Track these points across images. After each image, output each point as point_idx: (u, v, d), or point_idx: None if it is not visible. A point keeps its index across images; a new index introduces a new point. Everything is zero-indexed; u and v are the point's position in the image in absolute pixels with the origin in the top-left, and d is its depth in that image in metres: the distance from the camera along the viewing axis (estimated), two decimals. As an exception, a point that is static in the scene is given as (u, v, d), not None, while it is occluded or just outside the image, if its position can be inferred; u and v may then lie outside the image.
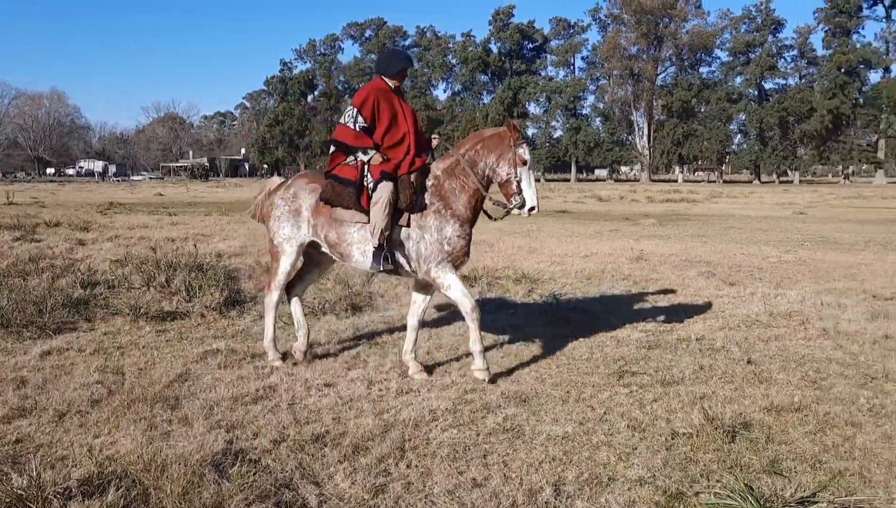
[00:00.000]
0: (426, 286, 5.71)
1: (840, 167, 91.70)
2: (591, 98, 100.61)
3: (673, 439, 4.28)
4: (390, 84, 5.69)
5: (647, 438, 4.31)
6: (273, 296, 5.95)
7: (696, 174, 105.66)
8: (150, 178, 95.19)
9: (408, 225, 5.41)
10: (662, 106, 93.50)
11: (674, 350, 6.38)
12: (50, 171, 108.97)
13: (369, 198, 5.39)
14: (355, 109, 5.52)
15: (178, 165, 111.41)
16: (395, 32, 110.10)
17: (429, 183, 5.48)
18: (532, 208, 5.42)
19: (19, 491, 3.27)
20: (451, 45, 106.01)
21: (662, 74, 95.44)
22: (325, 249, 5.79)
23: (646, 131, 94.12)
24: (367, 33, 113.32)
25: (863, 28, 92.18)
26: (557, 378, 5.53)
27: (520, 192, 5.38)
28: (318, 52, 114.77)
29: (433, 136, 5.87)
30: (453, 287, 5.38)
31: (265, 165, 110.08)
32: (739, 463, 3.93)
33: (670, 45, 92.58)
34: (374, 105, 5.51)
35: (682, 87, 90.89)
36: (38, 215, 20.33)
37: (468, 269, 9.69)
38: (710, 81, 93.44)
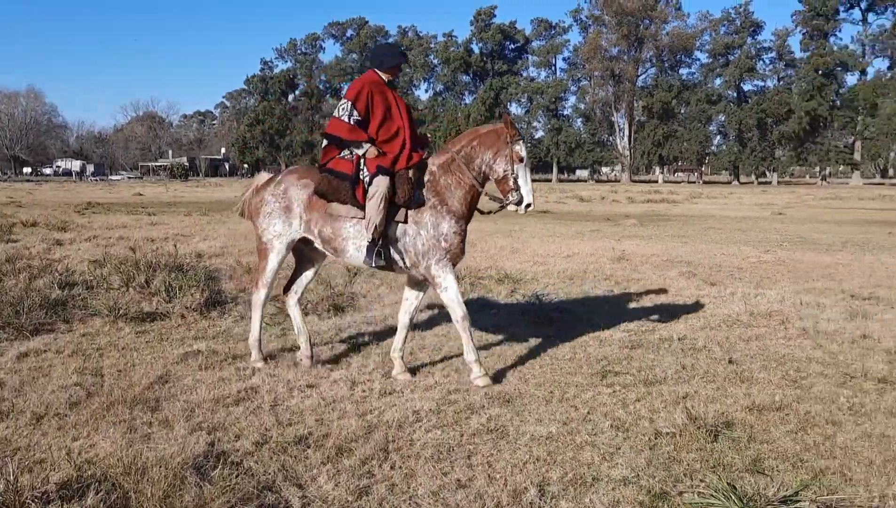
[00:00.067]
0: (419, 284, 5.68)
1: (817, 168, 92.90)
2: (572, 99, 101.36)
3: (656, 438, 4.29)
4: (384, 78, 5.64)
5: (630, 438, 4.32)
6: (261, 294, 5.86)
7: (675, 175, 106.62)
8: (129, 177, 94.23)
9: (404, 221, 5.36)
10: (643, 107, 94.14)
11: (656, 350, 6.41)
12: (27, 170, 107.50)
13: (365, 192, 5.32)
14: (349, 103, 5.44)
15: (157, 164, 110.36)
16: (376, 32, 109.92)
17: (425, 179, 5.44)
18: (528, 205, 5.40)
19: (-4, 496, 3.21)
20: (432, 46, 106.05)
21: (643, 76, 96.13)
22: (317, 244, 5.70)
23: (626, 132, 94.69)
24: (349, 33, 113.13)
25: (840, 31, 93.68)
26: (541, 378, 5.53)
27: (517, 188, 5.36)
28: (299, 52, 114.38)
29: (427, 134, 5.85)
30: (450, 290, 5.35)
31: (245, 165, 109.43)
32: (722, 463, 3.95)
33: (651, 47, 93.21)
34: (368, 98, 5.44)
35: (663, 88, 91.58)
36: (14, 215, 20.05)
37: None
38: (689, 82, 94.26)
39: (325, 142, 5.69)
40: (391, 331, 6.91)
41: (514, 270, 10.81)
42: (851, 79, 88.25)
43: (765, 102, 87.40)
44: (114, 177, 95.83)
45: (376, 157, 5.37)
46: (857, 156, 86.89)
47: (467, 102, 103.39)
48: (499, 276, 10.05)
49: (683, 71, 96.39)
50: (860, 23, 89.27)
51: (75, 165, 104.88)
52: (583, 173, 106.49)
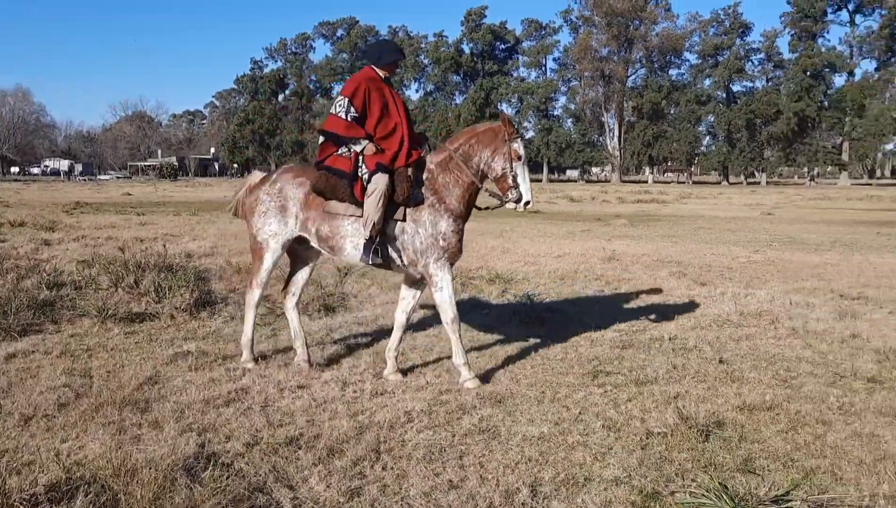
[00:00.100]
0: (416, 282, 5.65)
1: (806, 169, 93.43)
2: (562, 99, 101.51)
3: (648, 438, 4.29)
4: (381, 74, 5.61)
5: (622, 438, 4.32)
6: (255, 294, 5.80)
7: (665, 175, 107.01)
8: (118, 177, 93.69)
9: (403, 219, 5.33)
10: (633, 107, 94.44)
11: (647, 350, 6.42)
12: (14, 170, 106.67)
13: (363, 190, 5.29)
14: (346, 99, 5.40)
15: (146, 164, 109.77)
16: (367, 32, 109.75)
17: (424, 177, 5.41)
18: (528, 203, 5.39)
19: (-17, 499, 3.17)
20: (423, 46, 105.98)
21: (633, 76, 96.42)
22: (314, 243, 5.65)
23: (616, 133, 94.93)
24: (339, 33, 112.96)
25: (828, 32, 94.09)
26: (532, 379, 5.53)
27: (516, 186, 5.35)
28: (289, 51, 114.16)
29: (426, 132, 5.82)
30: (444, 291, 5.33)
31: (235, 165, 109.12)
32: (714, 462, 3.96)
33: (640, 48, 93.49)
34: (365, 95, 5.40)
35: (652, 88, 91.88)
36: (2, 215, 19.89)
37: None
38: (679, 83, 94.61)
39: (321, 139, 5.62)
40: (382, 331, 6.91)
41: (505, 270, 10.81)
42: (839, 80, 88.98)
43: (753, 102, 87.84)
44: (102, 177, 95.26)
45: (375, 154, 5.33)
46: (844, 156, 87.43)
47: (458, 102, 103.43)
48: (490, 276, 10.05)
49: (673, 72, 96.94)
50: (848, 24, 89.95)
51: (63, 164, 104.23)
52: (573, 174, 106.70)
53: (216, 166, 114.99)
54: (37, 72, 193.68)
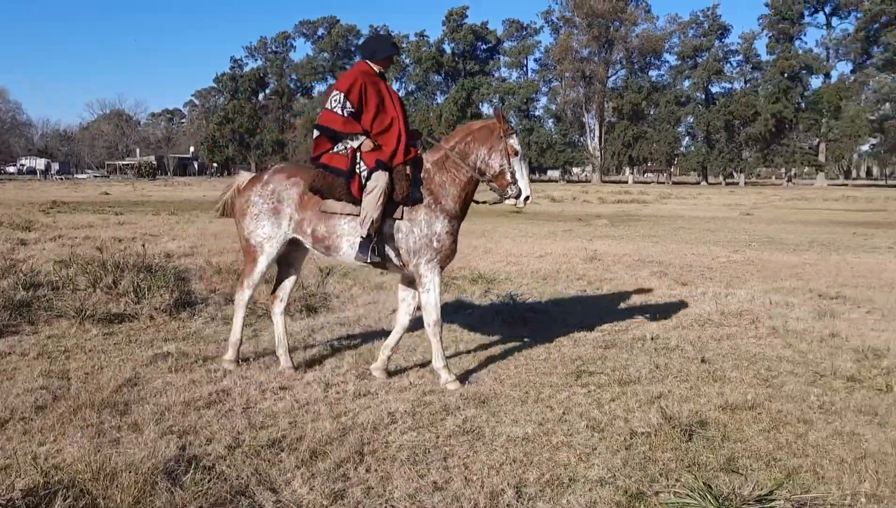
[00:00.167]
0: (413, 282, 5.58)
1: (783, 170, 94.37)
2: (543, 100, 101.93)
3: (632, 438, 4.30)
4: (375, 69, 5.54)
5: (606, 438, 4.32)
6: (245, 295, 5.69)
7: (645, 176, 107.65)
8: (96, 176, 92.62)
9: (401, 218, 5.28)
10: (613, 108, 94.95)
11: (630, 350, 6.44)
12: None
13: (361, 187, 5.22)
14: (342, 94, 5.32)
15: (124, 163, 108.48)
16: (348, 31, 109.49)
17: (421, 176, 5.36)
18: (527, 198, 5.38)
19: (-42, 504, 3.11)
20: (404, 45, 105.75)
21: (613, 77, 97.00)
22: (307, 244, 5.55)
23: (597, 133, 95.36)
24: (320, 32, 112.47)
25: (805, 35, 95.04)
26: (516, 379, 5.52)
27: (515, 182, 5.33)
28: (269, 50, 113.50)
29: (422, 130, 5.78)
30: (431, 293, 5.31)
31: (215, 164, 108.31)
32: (697, 462, 3.97)
33: (621, 49, 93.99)
34: (361, 90, 5.33)
35: (633, 89, 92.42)
36: (-24, 214, 19.58)
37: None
38: (659, 84, 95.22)
39: (315, 133, 5.52)
40: (365, 332, 6.89)
41: (488, 270, 10.81)
42: (816, 82, 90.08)
43: (732, 104, 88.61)
44: (80, 176, 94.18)
45: (373, 150, 5.27)
46: (821, 157, 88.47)
47: (439, 101, 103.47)
48: (472, 276, 10.04)
49: (653, 73, 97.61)
50: (824, 27, 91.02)
51: (40, 163, 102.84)
52: (554, 174, 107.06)
53: (195, 166, 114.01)
54: (13, 70, 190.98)
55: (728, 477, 3.72)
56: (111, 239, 13.72)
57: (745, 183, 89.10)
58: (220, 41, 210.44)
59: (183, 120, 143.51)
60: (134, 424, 4.37)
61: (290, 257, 5.83)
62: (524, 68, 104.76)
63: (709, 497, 3.38)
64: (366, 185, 5.21)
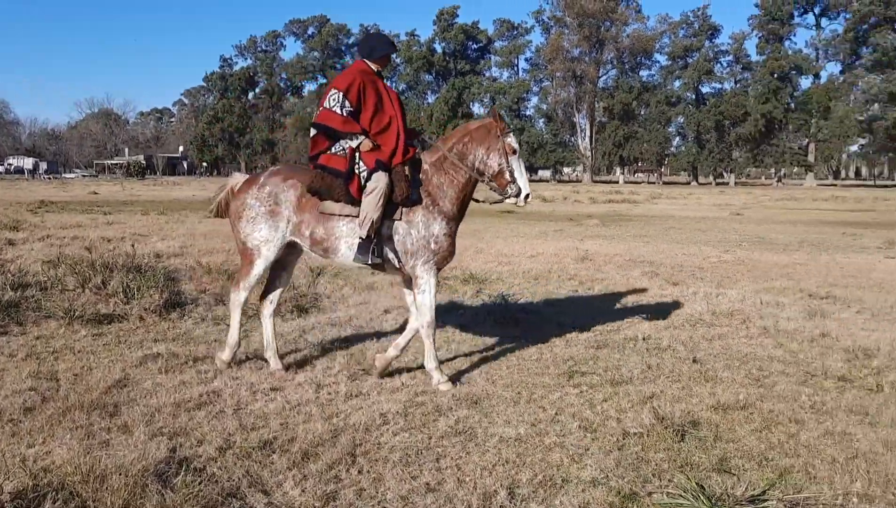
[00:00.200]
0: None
1: (773, 170, 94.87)
2: (534, 99, 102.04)
3: (624, 439, 4.30)
4: (373, 68, 5.51)
5: (598, 438, 4.32)
6: (241, 296, 5.62)
7: (636, 175, 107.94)
8: (84, 175, 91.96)
9: (399, 219, 5.25)
10: (604, 108, 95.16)
11: (622, 350, 6.44)
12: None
13: (360, 187, 5.18)
14: (341, 93, 5.27)
15: (113, 162, 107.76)
16: (338, 30, 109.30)
17: (420, 177, 5.34)
18: (527, 196, 5.37)
19: (-55, 508, 3.07)
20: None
21: (604, 77, 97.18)
22: (305, 246, 5.49)
23: (588, 133, 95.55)
24: (310, 31, 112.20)
25: (794, 35, 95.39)
26: (508, 379, 5.51)
27: (513, 181, 5.32)
28: (259, 49, 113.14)
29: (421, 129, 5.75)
30: (426, 294, 5.29)
31: (204, 164, 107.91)
32: (690, 462, 3.97)
33: (612, 49, 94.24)
34: (360, 89, 5.29)
35: (623, 89, 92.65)
36: (-37, 214, 19.43)
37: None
38: (649, 84, 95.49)
39: (313, 132, 5.47)
40: (356, 332, 6.87)
41: (479, 270, 10.81)
42: (805, 82, 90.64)
43: (722, 104, 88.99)
44: (68, 175, 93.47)
45: (372, 150, 5.24)
46: (810, 158, 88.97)
47: (430, 101, 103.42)
48: (464, 276, 10.03)
49: (643, 73, 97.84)
50: (814, 28, 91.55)
51: (27, 162, 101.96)
52: (545, 174, 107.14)
53: (185, 165, 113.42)
54: (2, 69, 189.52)
55: (720, 477, 3.72)
56: (100, 239, 13.64)
57: (735, 183, 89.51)
58: (210, 40, 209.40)
59: (172, 119, 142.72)
60: (124, 426, 4.34)
61: (284, 260, 5.76)
62: (515, 68, 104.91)
63: (701, 497, 3.38)
64: (365, 186, 5.18)
